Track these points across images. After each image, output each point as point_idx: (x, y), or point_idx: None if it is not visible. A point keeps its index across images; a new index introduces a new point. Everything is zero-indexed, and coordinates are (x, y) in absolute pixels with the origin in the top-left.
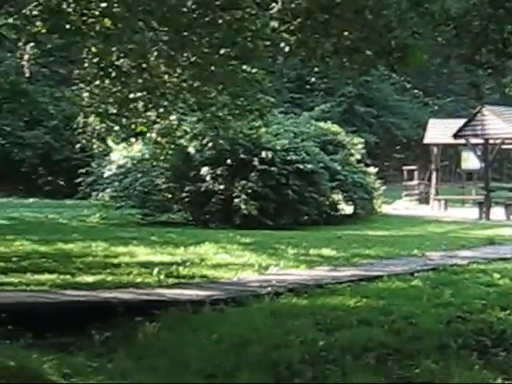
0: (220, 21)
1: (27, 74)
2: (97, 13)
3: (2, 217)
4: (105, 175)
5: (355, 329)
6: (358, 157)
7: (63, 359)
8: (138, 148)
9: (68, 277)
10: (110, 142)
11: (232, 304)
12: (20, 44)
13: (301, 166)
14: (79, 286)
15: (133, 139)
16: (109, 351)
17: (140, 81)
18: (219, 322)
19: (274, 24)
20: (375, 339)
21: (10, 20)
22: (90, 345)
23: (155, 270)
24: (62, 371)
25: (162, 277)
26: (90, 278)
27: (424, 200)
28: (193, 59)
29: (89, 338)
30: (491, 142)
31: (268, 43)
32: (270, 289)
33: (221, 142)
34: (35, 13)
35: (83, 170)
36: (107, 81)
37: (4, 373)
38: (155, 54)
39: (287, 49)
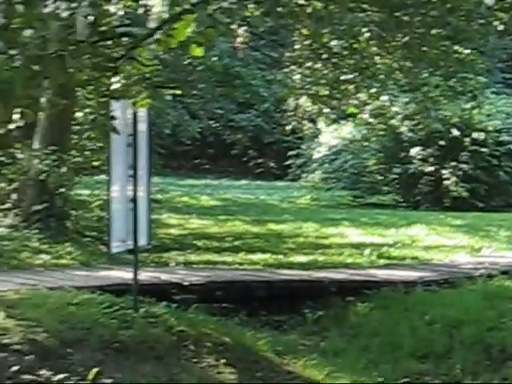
0: None
1: (240, 57)
2: None
3: (215, 198)
4: (314, 157)
5: None
6: None
7: (276, 337)
8: (348, 129)
9: (280, 256)
10: (319, 124)
11: (444, 285)
12: (233, 27)
13: None
14: (291, 266)
15: (343, 121)
16: (321, 330)
17: (351, 62)
18: (431, 302)
19: (489, 1)
20: None
21: (225, 4)
22: (302, 323)
23: (366, 251)
24: (276, 348)
25: (373, 257)
26: (301, 258)
27: None
28: (404, 40)
29: (301, 317)
30: None
31: (482, 21)
32: (482, 271)
33: (434, 126)
34: None
35: (293, 152)
36: (318, 63)
37: (220, 349)
38: (366, 35)
39: (501, 27)
